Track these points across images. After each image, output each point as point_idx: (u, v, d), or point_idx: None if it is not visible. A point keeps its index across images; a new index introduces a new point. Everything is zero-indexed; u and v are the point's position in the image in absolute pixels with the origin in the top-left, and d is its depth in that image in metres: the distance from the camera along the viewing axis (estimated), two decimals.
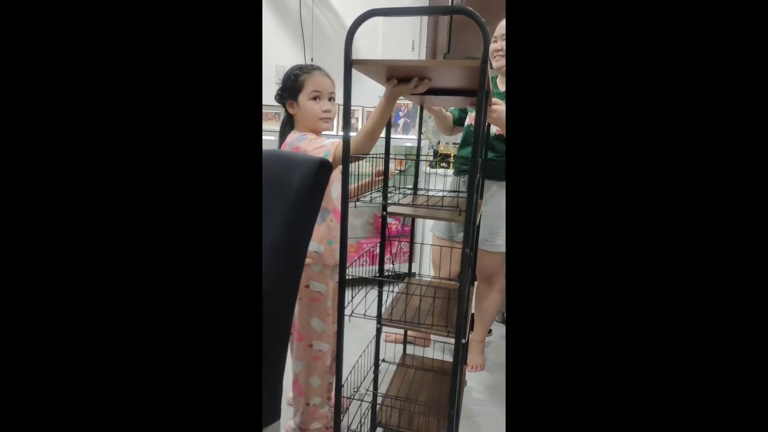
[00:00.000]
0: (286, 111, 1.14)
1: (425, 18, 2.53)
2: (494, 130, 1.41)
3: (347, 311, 0.87)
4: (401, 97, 1.08)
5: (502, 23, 1.43)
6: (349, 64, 0.74)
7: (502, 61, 1.44)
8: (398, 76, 0.85)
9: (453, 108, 1.63)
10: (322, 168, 0.74)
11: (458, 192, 1.22)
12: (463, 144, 1.62)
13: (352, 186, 0.87)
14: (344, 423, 1.04)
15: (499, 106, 1.21)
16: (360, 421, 1.14)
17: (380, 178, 1.13)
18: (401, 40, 2.53)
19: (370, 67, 0.77)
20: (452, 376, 0.81)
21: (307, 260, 1.07)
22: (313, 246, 1.07)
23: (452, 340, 0.81)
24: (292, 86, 1.09)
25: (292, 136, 1.09)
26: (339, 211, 1.12)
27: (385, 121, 0.96)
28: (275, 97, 1.14)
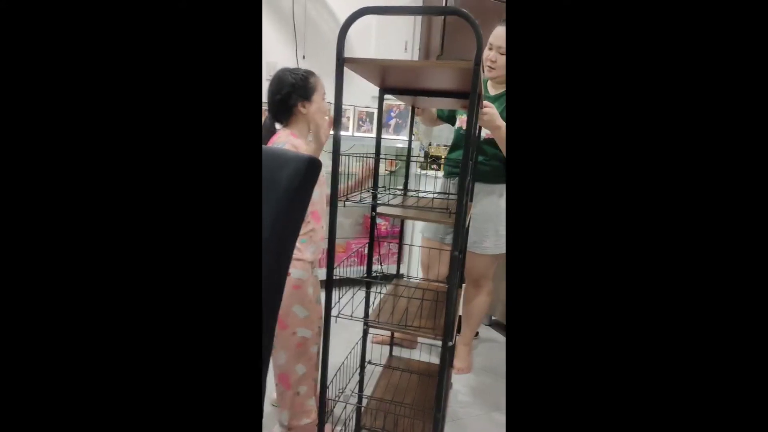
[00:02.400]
0: (292, 111, 1.13)
1: (419, 19, 2.53)
2: (484, 133, 1.41)
3: (334, 312, 0.86)
4: (393, 98, 1.08)
5: (497, 32, 1.42)
6: (341, 61, 0.73)
7: (493, 73, 1.44)
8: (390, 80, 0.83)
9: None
10: (312, 166, 0.73)
11: (448, 194, 1.22)
12: (453, 147, 1.62)
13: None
14: (328, 425, 1.02)
15: (489, 109, 1.21)
16: (345, 423, 1.13)
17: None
18: (394, 41, 2.53)
19: (362, 65, 0.76)
20: (439, 380, 0.81)
21: None
22: None
23: (439, 342, 0.80)
24: (305, 86, 1.12)
25: (277, 140, 1.11)
26: (317, 213, 1.14)
27: None
28: (278, 99, 1.14)
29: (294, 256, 1.09)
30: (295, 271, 1.11)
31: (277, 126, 1.18)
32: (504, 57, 1.40)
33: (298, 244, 1.10)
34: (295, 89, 1.12)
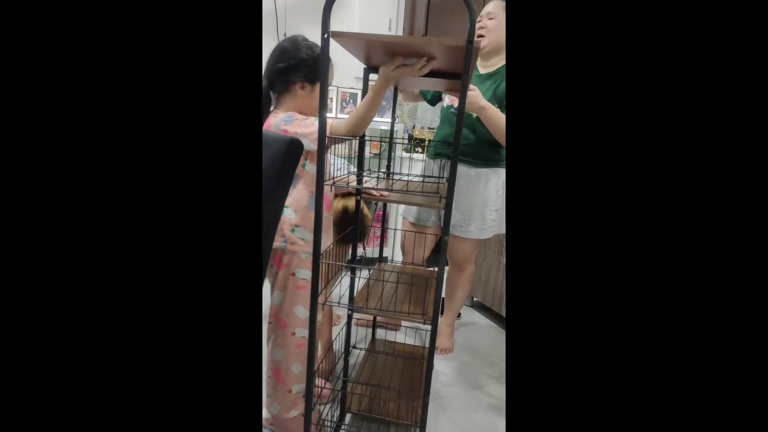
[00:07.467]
0: (288, 88, 0.99)
1: None
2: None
3: (320, 299, 0.84)
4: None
5: (488, 8, 1.39)
6: (328, 36, 0.69)
7: (484, 41, 1.40)
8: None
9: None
10: (292, 148, 0.70)
11: (438, 178, 1.20)
12: (441, 125, 1.59)
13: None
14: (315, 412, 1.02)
15: (471, 92, 1.18)
16: (331, 407, 1.13)
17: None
18: (378, 19, 2.46)
19: (349, 40, 0.72)
20: (428, 366, 0.81)
21: (294, 247, 1.02)
22: (301, 233, 1.02)
23: (422, 325, 0.80)
24: (316, 67, 0.98)
25: (277, 117, 0.98)
26: (328, 200, 1.07)
27: (378, 104, 0.88)
28: (280, 68, 0.99)
29: (300, 252, 1.02)
30: (300, 271, 1.03)
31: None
32: (493, 21, 1.37)
33: (307, 238, 1.02)
34: (304, 64, 0.97)
